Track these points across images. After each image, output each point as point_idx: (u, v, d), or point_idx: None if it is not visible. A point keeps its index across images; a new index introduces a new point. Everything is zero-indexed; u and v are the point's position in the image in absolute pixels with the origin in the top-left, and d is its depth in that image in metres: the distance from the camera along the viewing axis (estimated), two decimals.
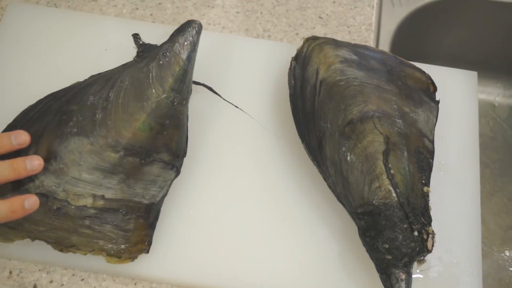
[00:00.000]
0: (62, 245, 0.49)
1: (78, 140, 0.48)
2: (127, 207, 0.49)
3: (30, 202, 0.45)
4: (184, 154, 0.53)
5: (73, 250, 0.49)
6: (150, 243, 0.51)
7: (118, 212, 0.49)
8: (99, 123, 0.48)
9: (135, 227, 0.50)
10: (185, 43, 0.51)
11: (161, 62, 0.50)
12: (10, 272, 0.54)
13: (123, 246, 0.49)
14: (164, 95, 0.49)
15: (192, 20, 0.52)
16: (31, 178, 0.47)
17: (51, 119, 0.50)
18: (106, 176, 0.48)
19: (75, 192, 0.47)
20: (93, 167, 0.48)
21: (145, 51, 0.54)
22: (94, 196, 0.48)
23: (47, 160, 0.47)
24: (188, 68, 0.51)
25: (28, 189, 0.47)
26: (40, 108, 0.52)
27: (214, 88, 0.61)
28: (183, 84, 0.51)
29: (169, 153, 0.51)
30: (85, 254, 0.50)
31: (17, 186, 0.47)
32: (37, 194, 0.47)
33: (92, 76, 0.53)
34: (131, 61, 0.53)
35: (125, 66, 0.52)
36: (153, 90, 0.49)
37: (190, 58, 0.51)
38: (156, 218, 0.52)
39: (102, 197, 0.48)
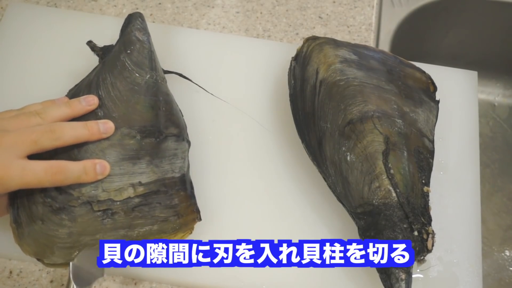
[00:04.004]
0: None
1: (94, 140, 0.49)
2: (165, 185, 0.50)
3: (101, 166, 0.47)
4: (185, 125, 0.55)
5: None
6: (198, 211, 0.52)
7: (159, 192, 0.50)
8: (106, 119, 0.49)
9: (179, 200, 0.50)
10: (140, 30, 0.53)
11: (128, 51, 0.52)
12: (10, 272, 0.54)
13: (177, 222, 0.50)
14: (148, 76, 0.52)
15: (132, 12, 0.55)
16: (69, 193, 0.47)
17: None
18: (134, 163, 0.49)
19: (115, 188, 0.48)
20: (120, 158, 0.48)
21: (105, 52, 0.56)
22: (133, 185, 0.48)
23: None
24: (152, 48, 0.54)
25: (70, 203, 0.47)
26: None
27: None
28: (156, 63, 0.54)
29: (175, 126, 0.52)
30: None
31: (59, 206, 0.47)
32: (80, 205, 0.47)
33: (69, 91, 0.54)
34: (99, 64, 0.55)
35: (96, 69, 0.53)
36: (137, 75, 0.51)
37: (149, 40, 0.54)
38: (191, 187, 0.53)
39: (140, 183, 0.49)
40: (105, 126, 0.48)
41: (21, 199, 0.47)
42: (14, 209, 0.47)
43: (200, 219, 0.52)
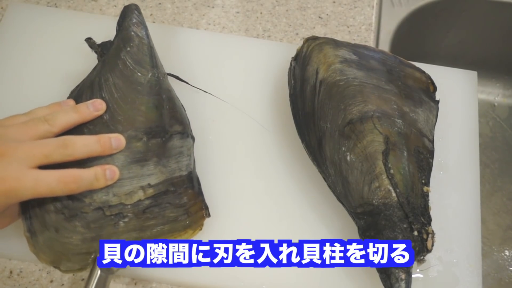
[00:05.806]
0: None
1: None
2: (173, 184, 0.50)
3: (110, 171, 0.47)
4: (188, 120, 0.55)
5: None
6: (207, 208, 0.52)
7: (168, 192, 0.50)
8: (112, 123, 0.49)
9: (188, 198, 0.51)
10: (137, 25, 0.52)
11: (128, 49, 0.51)
12: (10, 272, 0.54)
13: (187, 220, 0.51)
14: (150, 74, 0.51)
15: (128, 5, 0.54)
16: (80, 200, 0.47)
17: None
18: (143, 165, 0.49)
19: (125, 192, 0.48)
20: (128, 162, 0.48)
21: (104, 49, 0.55)
22: (143, 188, 0.49)
23: None
24: (151, 43, 0.53)
25: (82, 210, 0.47)
26: None
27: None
28: (156, 59, 0.53)
29: (179, 123, 0.53)
30: None
31: (71, 213, 0.47)
32: (92, 211, 0.47)
33: (72, 92, 0.53)
34: (99, 63, 0.54)
35: (96, 69, 0.53)
36: (139, 74, 0.51)
37: (148, 34, 0.53)
38: (199, 184, 0.53)
39: (149, 185, 0.49)
40: (117, 143, 0.48)
41: (33, 208, 0.47)
42: (27, 218, 0.47)
43: (209, 215, 0.52)
